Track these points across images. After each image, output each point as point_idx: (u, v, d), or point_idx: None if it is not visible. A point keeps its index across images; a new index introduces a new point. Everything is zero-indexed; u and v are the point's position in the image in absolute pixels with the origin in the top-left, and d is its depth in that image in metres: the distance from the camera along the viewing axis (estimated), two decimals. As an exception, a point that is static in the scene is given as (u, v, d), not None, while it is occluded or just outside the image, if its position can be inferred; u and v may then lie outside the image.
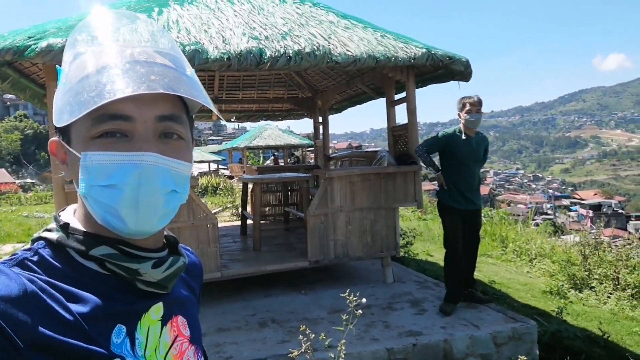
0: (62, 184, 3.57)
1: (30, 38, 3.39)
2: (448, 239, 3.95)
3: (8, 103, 61.66)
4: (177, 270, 0.66)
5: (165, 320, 0.66)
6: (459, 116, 3.88)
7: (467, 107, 3.78)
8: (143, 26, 0.64)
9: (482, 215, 9.56)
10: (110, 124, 0.58)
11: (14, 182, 27.17)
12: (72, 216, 0.65)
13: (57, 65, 0.63)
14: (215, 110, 0.64)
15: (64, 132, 0.62)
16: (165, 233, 0.71)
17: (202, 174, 23.22)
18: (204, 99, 0.61)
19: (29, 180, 32.72)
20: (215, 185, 16.90)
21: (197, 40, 3.77)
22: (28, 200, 17.50)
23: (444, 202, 3.98)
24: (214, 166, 30.91)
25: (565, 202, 60.70)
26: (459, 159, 3.86)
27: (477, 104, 3.79)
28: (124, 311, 0.60)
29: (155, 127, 0.60)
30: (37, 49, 3.30)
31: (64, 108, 0.57)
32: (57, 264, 0.59)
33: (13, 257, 0.58)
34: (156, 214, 0.60)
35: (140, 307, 0.63)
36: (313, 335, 2.38)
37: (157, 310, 0.65)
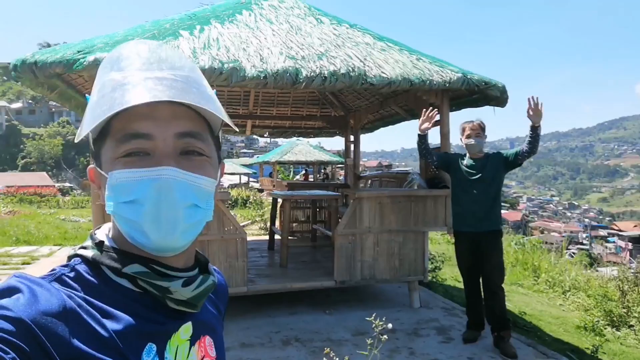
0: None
1: (79, 52, 3.56)
2: (458, 265, 4.00)
3: (53, 110, 64.42)
4: (207, 289, 0.67)
5: (193, 340, 0.67)
6: (461, 140, 3.90)
7: (467, 131, 3.79)
8: (167, 52, 0.66)
9: (514, 242, 9.35)
10: (132, 144, 0.60)
11: (54, 186, 28.23)
12: (106, 234, 0.67)
13: (86, 95, 0.66)
14: (229, 122, 0.64)
15: (97, 157, 0.64)
16: (196, 252, 0.73)
17: (232, 186, 23.56)
18: (213, 107, 0.61)
19: (67, 184, 33.94)
20: (245, 197, 17.09)
21: (235, 58, 3.87)
22: (66, 204, 18.13)
23: (454, 228, 3.99)
24: (244, 179, 31.32)
25: (603, 232, 58.33)
26: (460, 182, 3.86)
27: (478, 128, 3.77)
28: (155, 330, 0.62)
29: (176, 144, 0.61)
30: (85, 63, 3.47)
31: (82, 125, 0.61)
32: (93, 281, 0.60)
33: (52, 272, 0.60)
34: (177, 228, 0.60)
35: (170, 326, 0.64)
36: (337, 358, 2.36)
37: (186, 330, 0.66)
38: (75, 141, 0.65)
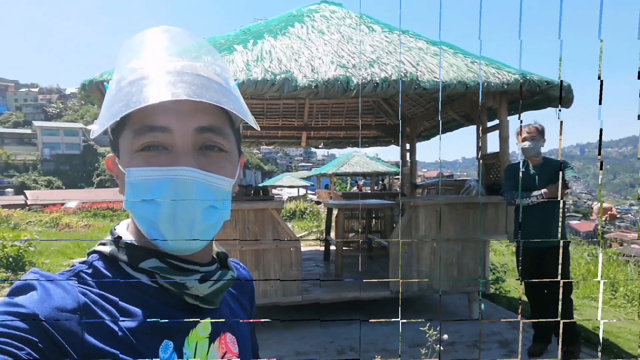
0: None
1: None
2: (520, 276, 3.81)
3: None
4: (225, 285, 0.66)
5: (213, 337, 0.66)
6: (517, 145, 3.69)
7: (523, 134, 3.59)
8: (190, 42, 0.64)
9: (587, 253, 8.73)
10: (149, 137, 0.58)
11: (125, 201, 30.03)
12: (125, 230, 0.66)
13: (105, 83, 0.66)
14: (250, 122, 0.61)
15: (115, 147, 0.63)
16: (216, 249, 0.71)
17: (291, 199, 23.91)
18: (233, 105, 0.59)
19: (137, 200, 35.95)
20: (302, 209, 17.27)
21: (287, 69, 3.93)
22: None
23: (515, 240, 3.75)
24: (302, 191, 31.69)
25: (692, 244, 53.18)
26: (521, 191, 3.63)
27: (534, 131, 3.55)
28: (172, 326, 0.61)
29: (195, 139, 0.59)
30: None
31: (98, 119, 0.60)
32: (109, 276, 0.60)
33: (70, 269, 0.60)
34: (194, 229, 0.59)
35: (188, 323, 0.63)
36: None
37: (205, 326, 0.65)
38: (91, 137, 0.65)
